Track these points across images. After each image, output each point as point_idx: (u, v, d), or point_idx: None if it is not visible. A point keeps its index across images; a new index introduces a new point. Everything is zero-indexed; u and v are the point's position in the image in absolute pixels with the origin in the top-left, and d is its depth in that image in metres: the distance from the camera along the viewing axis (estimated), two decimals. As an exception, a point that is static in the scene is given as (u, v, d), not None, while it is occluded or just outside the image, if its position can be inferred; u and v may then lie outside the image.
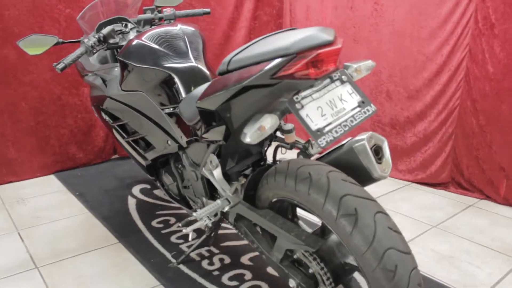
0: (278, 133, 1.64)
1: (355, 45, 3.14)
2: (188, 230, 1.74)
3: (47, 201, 2.68)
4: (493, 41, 2.42)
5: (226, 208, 1.54)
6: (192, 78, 1.69)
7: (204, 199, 1.77)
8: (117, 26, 2.00)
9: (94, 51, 1.86)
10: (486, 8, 2.41)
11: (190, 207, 1.99)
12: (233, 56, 1.26)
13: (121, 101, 1.91)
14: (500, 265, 2.01)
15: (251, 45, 1.28)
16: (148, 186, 2.87)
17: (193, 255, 2.05)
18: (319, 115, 1.18)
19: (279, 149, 1.65)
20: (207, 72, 1.75)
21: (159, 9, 2.08)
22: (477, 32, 2.49)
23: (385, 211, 1.17)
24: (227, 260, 2.02)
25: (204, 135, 1.48)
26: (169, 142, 1.78)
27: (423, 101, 2.82)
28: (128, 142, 2.08)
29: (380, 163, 1.29)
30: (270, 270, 1.94)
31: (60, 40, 1.97)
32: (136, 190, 2.81)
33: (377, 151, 1.30)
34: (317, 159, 1.43)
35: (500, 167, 2.55)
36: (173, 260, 2.01)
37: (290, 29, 1.31)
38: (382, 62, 2.97)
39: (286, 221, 1.40)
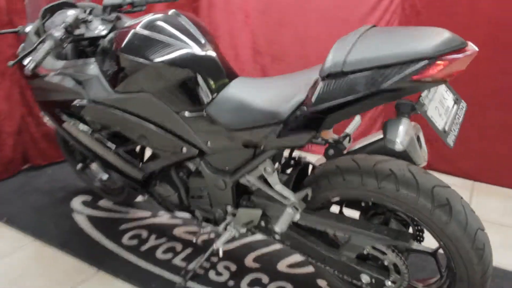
0: None
1: (280, 29, 3.15)
2: (219, 245, 1.61)
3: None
4: (420, 27, 2.70)
5: (297, 216, 1.44)
6: (214, 74, 1.49)
7: (229, 208, 1.63)
8: (80, 14, 1.64)
9: (65, 45, 1.54)
10: (413, -3, 2.67)
11: (194, 217, 1.81)
12: (346, 56, 1.15)
13: (114, 105, 1.60)
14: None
15: (357, 43, 1.17)
16: (89, 198, 2.47)
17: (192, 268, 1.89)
18: (438, 115, 1.21)
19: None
20: (227, 66, 1.56)
21: None
22: (404, 19, 2.75)
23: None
24: (232, 266, 1.92)
25: (283, 141, 1.34)
26: (184, 149, 1.57)
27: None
28: (116, 153, 1.76)
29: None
30: (280, 267, 1.90)
31: None
32: (76, 204, 2.41)
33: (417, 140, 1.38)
34: (349, 152, 1.44)
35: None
36: (177, 280, 1.82)
37: (404, 27, 1.24)
38: (312, 45, 3.06)
39: (355, 219, 1.41)
